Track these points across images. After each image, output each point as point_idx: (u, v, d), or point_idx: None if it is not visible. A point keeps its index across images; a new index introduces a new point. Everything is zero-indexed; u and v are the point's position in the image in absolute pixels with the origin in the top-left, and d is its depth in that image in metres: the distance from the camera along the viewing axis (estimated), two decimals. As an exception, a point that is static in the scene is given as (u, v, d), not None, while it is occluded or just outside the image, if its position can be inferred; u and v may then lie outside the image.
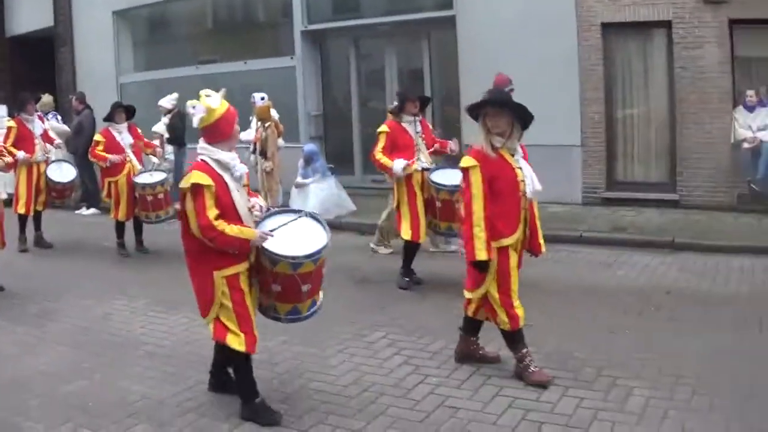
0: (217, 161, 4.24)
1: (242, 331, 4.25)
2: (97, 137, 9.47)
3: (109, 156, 9.12)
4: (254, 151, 10.92)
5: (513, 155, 4.73)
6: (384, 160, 7.01)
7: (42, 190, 9.87)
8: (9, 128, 9.80)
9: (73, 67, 16.76)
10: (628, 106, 10.69)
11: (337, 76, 13.41)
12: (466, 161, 4.69)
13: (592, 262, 8.12)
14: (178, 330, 6.31)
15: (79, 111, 13.30)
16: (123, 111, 9.49)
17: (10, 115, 15.63)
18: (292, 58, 13.12)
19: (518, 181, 4.68)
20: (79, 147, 12.82)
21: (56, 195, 10.05)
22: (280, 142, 11.02)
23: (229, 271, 4.23)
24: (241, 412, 4.43)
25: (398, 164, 6.95)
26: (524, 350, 4.80)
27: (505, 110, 4.67)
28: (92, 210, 13.21)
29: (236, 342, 4.24)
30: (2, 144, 8.78)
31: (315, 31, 13.01)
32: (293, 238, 4.35)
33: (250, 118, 10.84)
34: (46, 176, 9.83)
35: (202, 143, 4.32)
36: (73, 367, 5.50)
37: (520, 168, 4.72)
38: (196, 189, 4.13)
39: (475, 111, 4.71)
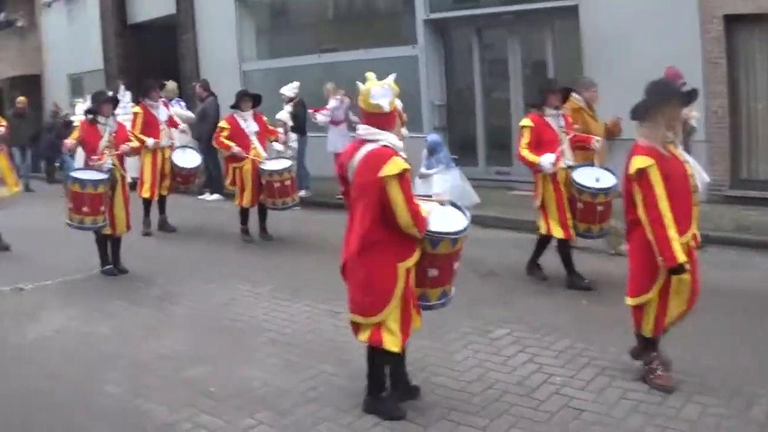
0: (396, 147, 4.23)
1: (402, 330, 4.22)
2: (222, 124, 9.69)
3: (233, 148, 9.31)
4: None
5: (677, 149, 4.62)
6: (530, 156, 6.84)
7: (167, 175, 10.28)
8: (135, 114, 10.31)
9: (196, 54, 17.33)
10: (752, 100, 10.28)
11: (460, 66, 13.41)
12: (642, 161, 4.45)
13: (717, 262, 7.77)
14: (300, 318, 6.43)
15: (203, 98, 13.71)
16: (249, 99, 9.71)
17: (135, 101, 16.45)
18: (414, 47, 13.20)
19: (688, 176, 4.53)
20: (203, 133, 13.21)
21: (181, 180, 10.42)
22: (404, 131, 11.09)
23: (411, 261, 4.20)
24: (364, 404, 4.46)
25: (546, 160, 6.74)
26: (653, 353, 4.70)
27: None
28: (216, 195, 13.59)
29: (393, 343, 4.21)
30: (130, 130, 9.18)
31: (437, 20, 13.04)
32: (441, 219, 4.36)
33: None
34: (171, 161, 10.22)
35: (376, 129, 4.22)
36: (195, 351, 5.69)
37: (687, 162, 4.59)
38: (400, 175, 4.09)
39: (657, 105, 4.51)
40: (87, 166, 8.04)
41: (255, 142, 9.52)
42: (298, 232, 10.14)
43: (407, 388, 4.57)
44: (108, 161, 7.92)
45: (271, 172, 9.24)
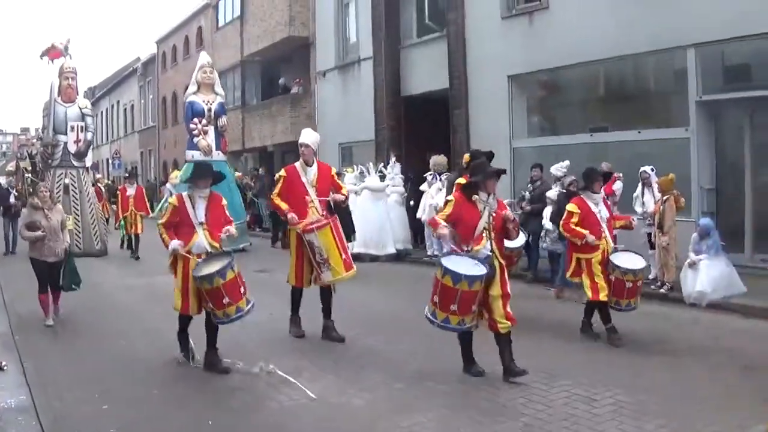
0: None
1: None
2: (572, 207, 9.74)
3: (588, 236, 9.41)
4: (651, 224, 12.55)
5: None
6: None
7: None
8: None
9: (467, 128, 19.71)
10: None
11: (731, 149, 14.46)
12: None
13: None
14: (557, 404, 7.06)
15: None
16: (601, 178, 9.96)
17: (404, 173, 19.60)
18: (686, 129, 14.46)
19: None
20: None
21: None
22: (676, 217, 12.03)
23: None
24: None
25: None
26: None
27: None
28: None
29: None
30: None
31: (710, 102, 14.26)
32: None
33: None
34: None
35: None
36: (444, 428, 6.60)
37: None
38: None
39: None
40: (458, 252, 7.80)
41: (606, 230, 9.66)
42: (565, 318, 10.74)
43: None
44: (486, 246, 7.80)
45: (626, 271, 9.33)
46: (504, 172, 8.43)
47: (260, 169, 30.19)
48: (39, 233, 10.91)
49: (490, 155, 10.21)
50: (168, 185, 28.68)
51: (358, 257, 14.61)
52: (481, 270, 7.53)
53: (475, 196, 7.84)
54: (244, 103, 34.92)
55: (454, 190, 9.59)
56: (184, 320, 8.74)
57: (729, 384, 7.53)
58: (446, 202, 8.28)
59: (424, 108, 21.91)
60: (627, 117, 16.30)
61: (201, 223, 8.51)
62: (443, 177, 17.40)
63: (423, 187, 17.86)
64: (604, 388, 7.43)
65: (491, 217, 7.83)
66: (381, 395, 7.55)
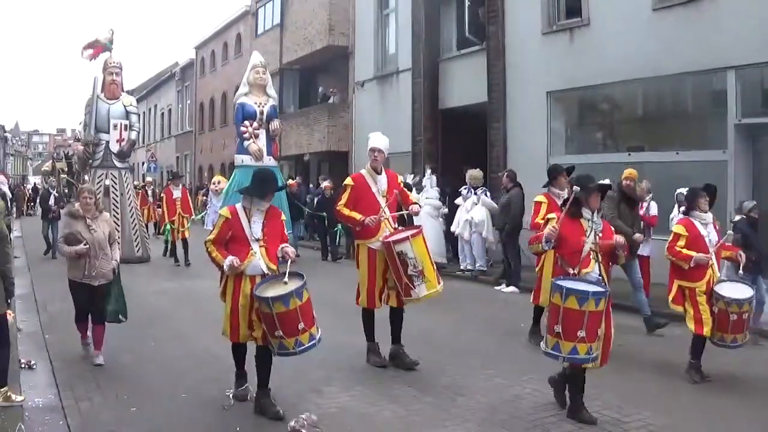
0: None
1: None
2: (679, 229, 8.91)
3: (700, 258, 8.62)
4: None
5: None
6: None
7: None
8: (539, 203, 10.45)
9: (505, 143, 19.87)
10: None
11: None
12: None
13: None
14: (587, 428, 7.04)
15: (508, 188, 15.87)
16: (705, 195, 9.05)
17: (439, 185, 19.68)
18: (724, 152, 14.52)
19: None
20: (505, 224, 15.75)
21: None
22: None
23: None
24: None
25: None
26: None
27: None
28: (512, 288, 15.65)
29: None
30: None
31: (748, 125, 14.32)
32: None
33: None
34: None
35: None
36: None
37: None
38: None
39: None
40: (566, 276, 7.22)
41: (713, 255, 8.79)
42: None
43: None
44: (595, 269, 7.27)
45: (730, 301, 8.49)
46: (609, 187, 7.94)
47: (297, 178, 30.36)
48: (80, 247, 9.09)
49: (570, 169, 10.33)
50: (211, 194, 27.35)
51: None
52: (602, 287, 6.99)
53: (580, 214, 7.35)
54: (281, 110, 35.25)
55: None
56: (239, 352, 7.74)
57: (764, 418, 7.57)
58: (547, 220, 7.75)
59: (462, 121, 22.12)
60: (665, 137, 16.40)
61: (257, 240, 7.42)
62: (478, 191, 17.60)
63: (458, 201, 17.97)
64: (635, 410, 7.54)
65: (597, 237, 7.29)
66: (411, 409, 7.62)
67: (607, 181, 12.20)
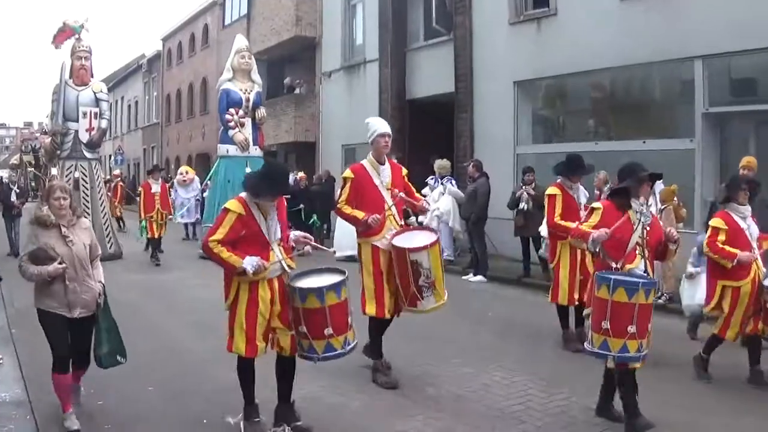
0: None
1: None
2: (717, 223, 8.09)
3: (742, 256, 7.85)
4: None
5: None
6: None
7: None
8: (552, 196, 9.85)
9: (472, 133, 19.76)
10: None
11: (735, 162, 13.57)
12: None
13: None
14: (554, 411, 7.15)
15: (475, 178, 15.94)
16: (746, 187, 8.27)
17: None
18: (691, 140, 14.51)
19: None
20: (471, 213, 15.75)
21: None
22: (679, 227, 11.52)
23: None
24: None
25: None
26: None
27: None
28: (479, 277, 15.69)
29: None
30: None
31: (716, 114, 14.34)
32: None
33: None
34: None
35: None
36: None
37: None
38: None
39: None
40: (608, 269, 6.59)
41: (756, 249, 8.09)
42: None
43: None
44: (640, 266, 6.68)
45: None
46: (660, 176, 7.26)
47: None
48: (54, 267, 6.50)
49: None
50: (176, 185, 25.46)
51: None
52: (650, 278, 6.55)
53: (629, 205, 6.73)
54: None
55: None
56: (249, 374, 6.58)
57: (733, 400, 7.60)
58: (591, 210, 7.03)
59: (429, 111, 22.06)
60: (632, 126, 16.35)
61: (278, 240, 6.49)
62: (444, 181, 17.50)
63: (425, 191, 17.83)
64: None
65: (645, 231, 6.70)
66: (380, 399, 7.61)
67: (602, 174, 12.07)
